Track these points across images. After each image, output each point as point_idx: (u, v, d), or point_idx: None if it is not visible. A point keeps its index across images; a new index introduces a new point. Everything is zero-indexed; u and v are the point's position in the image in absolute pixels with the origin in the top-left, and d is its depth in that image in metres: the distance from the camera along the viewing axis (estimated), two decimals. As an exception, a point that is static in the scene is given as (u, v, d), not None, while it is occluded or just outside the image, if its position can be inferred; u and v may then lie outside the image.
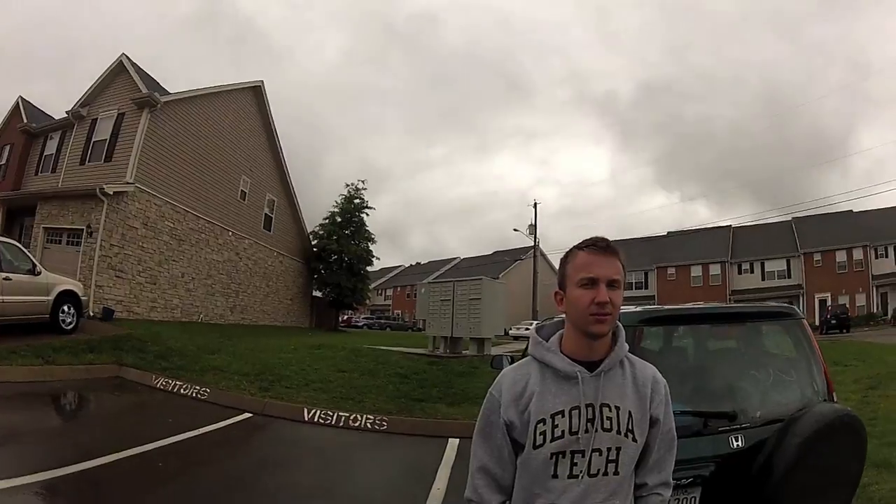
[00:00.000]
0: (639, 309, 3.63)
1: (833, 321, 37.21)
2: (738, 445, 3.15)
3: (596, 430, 1.64)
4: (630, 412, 1.69)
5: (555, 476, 1.65)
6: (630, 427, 1.68)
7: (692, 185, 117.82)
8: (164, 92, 22.33)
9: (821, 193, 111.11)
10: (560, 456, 1.65)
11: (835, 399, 3.60)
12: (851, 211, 48.57)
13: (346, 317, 49.53)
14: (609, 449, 1.65)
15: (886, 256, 47.20)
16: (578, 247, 1.76)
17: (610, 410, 1.66)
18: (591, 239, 1.76)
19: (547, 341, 1.82)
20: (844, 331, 35.84)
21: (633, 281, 57.86)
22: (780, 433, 3.08)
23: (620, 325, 1.79)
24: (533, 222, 46.12)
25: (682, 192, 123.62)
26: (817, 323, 39.25)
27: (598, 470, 1.65)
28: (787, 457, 2.95)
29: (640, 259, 56.30)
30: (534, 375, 1.75)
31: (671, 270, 56.84)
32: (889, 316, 43.07)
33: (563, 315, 1.82)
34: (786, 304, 4.30)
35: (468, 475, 1.79)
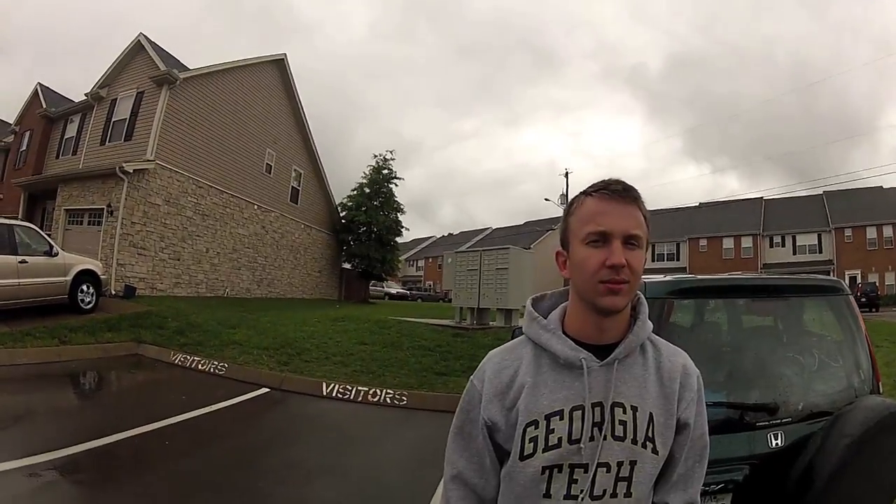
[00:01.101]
0: (669, 278, 3.20)
1: (863, 299, 35.65)
2: (776, 444, 2.72)
3: (604, 438, 1.26)
4: (651, 414, 1.30)
5: (547, 495, 1.27)
6: (650, 434, 1.29)
7: (722, 156, 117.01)
8: (184, 69, 22.12)
9: (850, 167, 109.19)
10: (555, 470, 1.26)
11: (880, 389, 3.20)
12: (881, 187, 47.56)
13: (378, 288, 49.41)
14: (620, 463, 1.26)
15: (917, 233, 46.31)
16: (586, 192, 1.34)
17: (624, 412, 1.28)
18: (602, 181, 1.33)
19: (546, 317, 1.41)
20: (873, 309, 34.88)
21: (665, 252, 57.94)
22: (826, 431, 2.66)
23: (643, 297, 1.40)
24: (564, 192, 45.50)
25: (712, 164, 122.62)
26: (848, 300, 38.45)
27: (605, 490, 1.26)
28: (833, 460, 2.51)
29: (671, 230, 55.88)
30: (526, 362, 1.36)
31: (703, 242, 55.95)
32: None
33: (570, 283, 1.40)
34: (832, 277, 3.73)
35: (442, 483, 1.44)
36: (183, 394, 8.64)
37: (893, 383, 8.26)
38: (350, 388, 9.11)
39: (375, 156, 36.81)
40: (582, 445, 1.24)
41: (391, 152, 37.29)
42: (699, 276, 3.49)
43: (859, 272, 46.13)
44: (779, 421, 2.77)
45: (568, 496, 1.26)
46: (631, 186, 1.32)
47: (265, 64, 27.19)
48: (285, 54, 28.33)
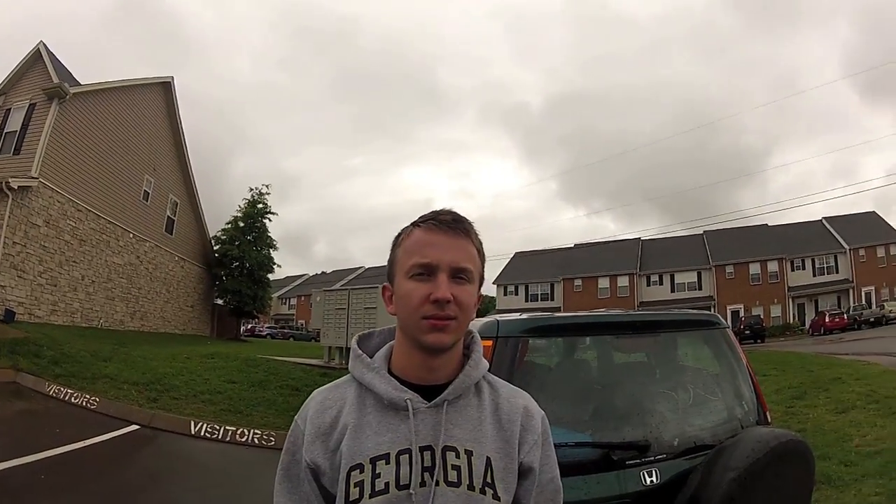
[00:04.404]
0: (524, 316, 3.09)
1: (747, 331, 38.52)
2: (651, 482, 2.58)
3: (436, 484, 1.18)
4: (489, 459, 1.23)
5: None
6: (489, 479, 1.21)
7: (601, 198, 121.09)
8: (76, 84, 21.63)
9: (736, 208, 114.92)
10: None
11: (769, 419, 3.15)
12: (766, 225, 51.20)
13: (249, 325, 48.51)
14: None
15: (804, 269, 50.37)
16: (415, 223, 1.30)
17: (457, 456, 1.21)
18: (433, 212, 1.30)
19: (373, 356, 1.35)
20: (759, 341, 37.53)
21: (539, 292, 59.28)
22: (708, 466, 2.56)
23: (477, 335, 1.38)
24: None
25: (591, 206, 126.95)
26: (730, 333, 41.40)
27: None
28: (719, 495, 2.39)
29: (546, 270, 57.73)
30: (350, 402, 1.28)
31: (578, 282, 57.64)
32: (807, 326, 44.15)
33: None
34: (707, 312, 3.70)
35: None
36: (57, 427, 8.51)
37: (784, 409, 8.93)
38: (218, 428, 9.27)
39: (251, 189, 36.75)
40: (412, 492, 1.16)
41: (267, 186, 37.46)
42: (557, 315, 3.49)
43: (742, 306, 48.98)
44: (652, 458, 2.64)
45: None
46: (463, 218, 1.28)
47: (152, 86, 26.85)
48: (172, 77, 28.12)
